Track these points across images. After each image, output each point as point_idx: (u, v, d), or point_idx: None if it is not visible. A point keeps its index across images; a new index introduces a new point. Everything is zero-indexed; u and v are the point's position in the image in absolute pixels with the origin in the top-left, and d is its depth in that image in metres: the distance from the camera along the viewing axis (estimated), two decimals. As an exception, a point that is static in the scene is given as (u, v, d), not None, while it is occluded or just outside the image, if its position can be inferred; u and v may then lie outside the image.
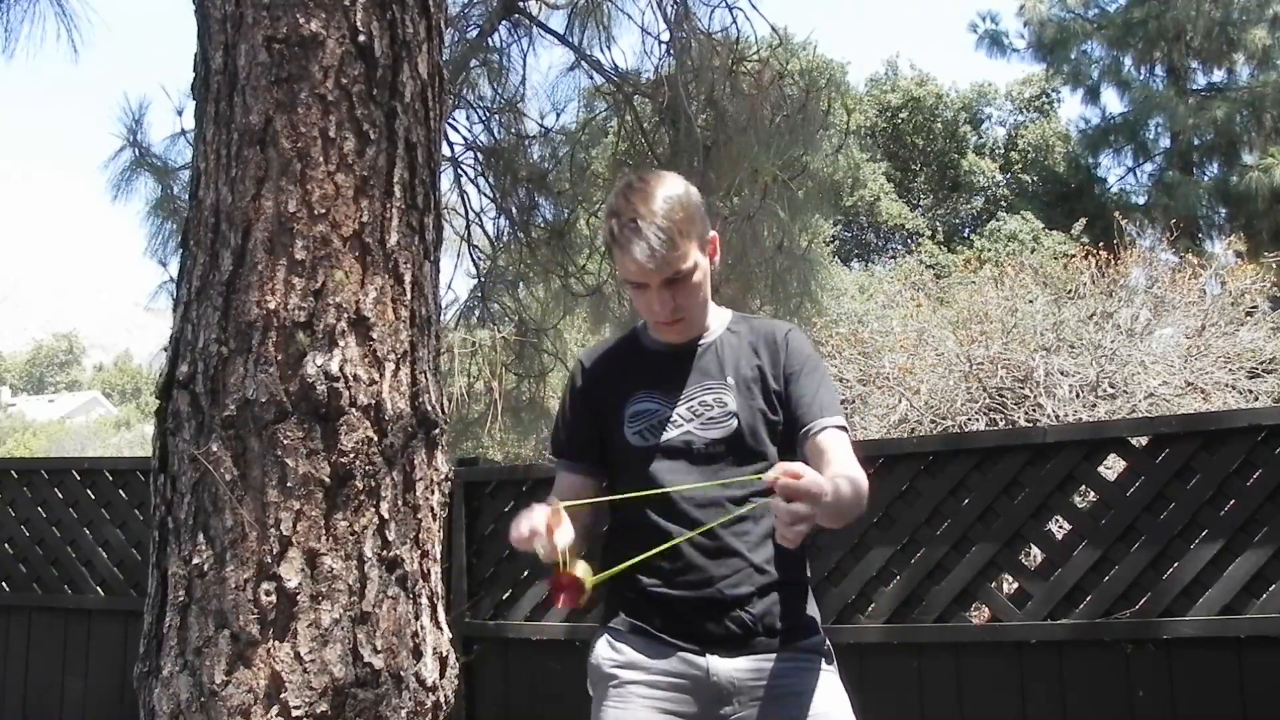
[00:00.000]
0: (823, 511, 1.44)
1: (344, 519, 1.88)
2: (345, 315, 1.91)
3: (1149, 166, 18.63)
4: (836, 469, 1.63)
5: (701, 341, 1.82)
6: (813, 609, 1.81)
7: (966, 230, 20.83)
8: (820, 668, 1.75)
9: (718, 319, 1.85)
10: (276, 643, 1.82)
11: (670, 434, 1.75)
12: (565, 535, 1.57)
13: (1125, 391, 6.94)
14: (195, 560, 1.86)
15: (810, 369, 1.77)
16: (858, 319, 9.20)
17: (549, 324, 6.08)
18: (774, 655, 1.71)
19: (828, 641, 1.79)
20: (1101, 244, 9.66)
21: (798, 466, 1.45)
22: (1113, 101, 18.79)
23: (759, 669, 1.70)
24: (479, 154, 5.87)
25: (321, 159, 1.93)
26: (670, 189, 1.72)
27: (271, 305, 1.88)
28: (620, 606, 1.80)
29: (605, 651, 1.79)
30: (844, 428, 1.75)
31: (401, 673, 1.93)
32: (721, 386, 1.76)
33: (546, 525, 1.55)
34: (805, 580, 1.82)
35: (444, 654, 2.06)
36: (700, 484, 1.70)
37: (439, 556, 2.09)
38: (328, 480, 1.87)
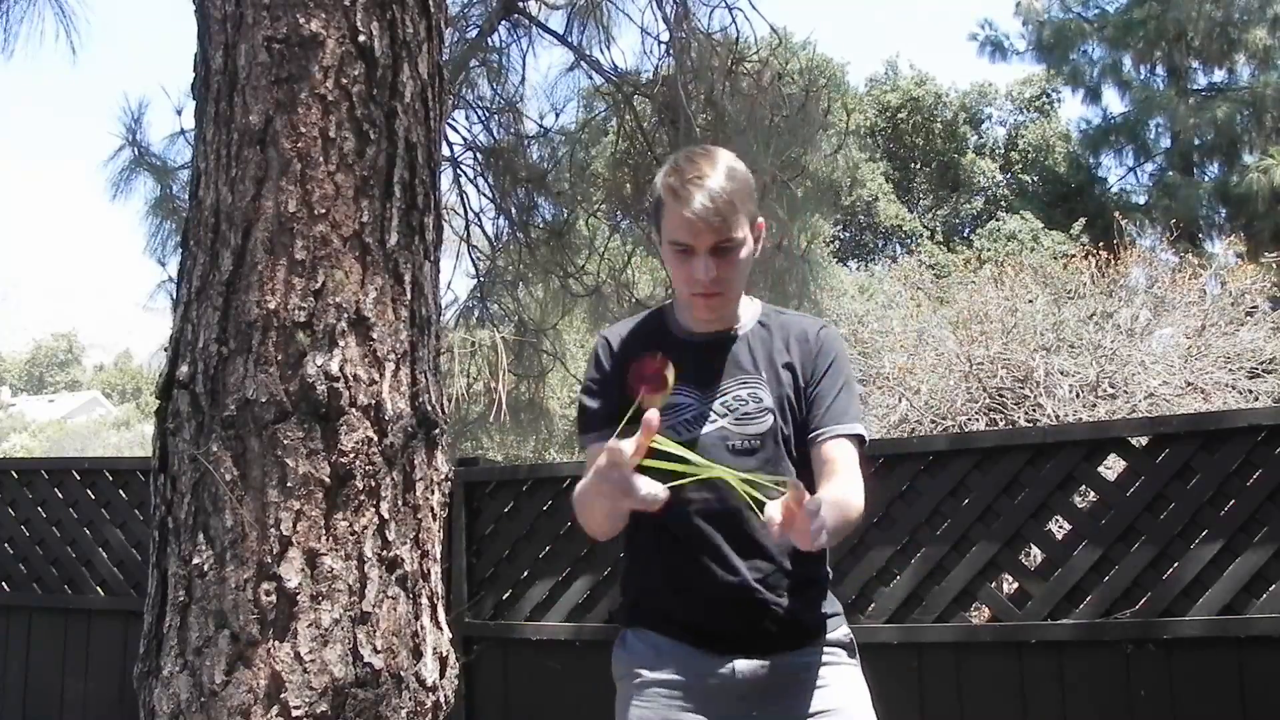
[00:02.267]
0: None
1: (344, 519, 1.88)
2: (345, 315, 1.91)
3: (1149, 166, 18.65)
4: (831, 491, 1.61)
5: (735, 332, 1.78)
6: (834, 604, 1.80)
7: (966, 230, 20.82)
8: (843, 660, 1.74)
9: (749, 311, 1.82)
10: (276, 643, 1.82)
11: (706, 429, 1.71)
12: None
13: (1125, 391, 6.95)
14: (195, 560, 1.86)
15: (835, 371, 1.74)
16: (857, 319, 9.20)
17: (548, 324, 6.08)
18: (800, 650, 1.71)
19: (851, 635, 1.79)
20: (1101, 244, 9.66)
21: (784, 510, 1.41)
22: (1113, 102, 18.82)
23: (783, 665, 1.70)
24: (479, 154, 5.88)
25: (321, 159, 1.93)
26: (734, 161, 1.73)
27: (271, 305, 1.88)
28: (647, 604, 1.79)
29: (632, 647, 1.78)
30: (858, 435, 1.72)
31: (401, 673, 1.93)
32: (756, 381, 1.73)
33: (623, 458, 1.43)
34: (827, 576, 1.81)
35: (444, 654, 2.06)
36: (744, 472, 1.55)
37: (439, 556, 2.09)
38: (328, 480, 1.87)
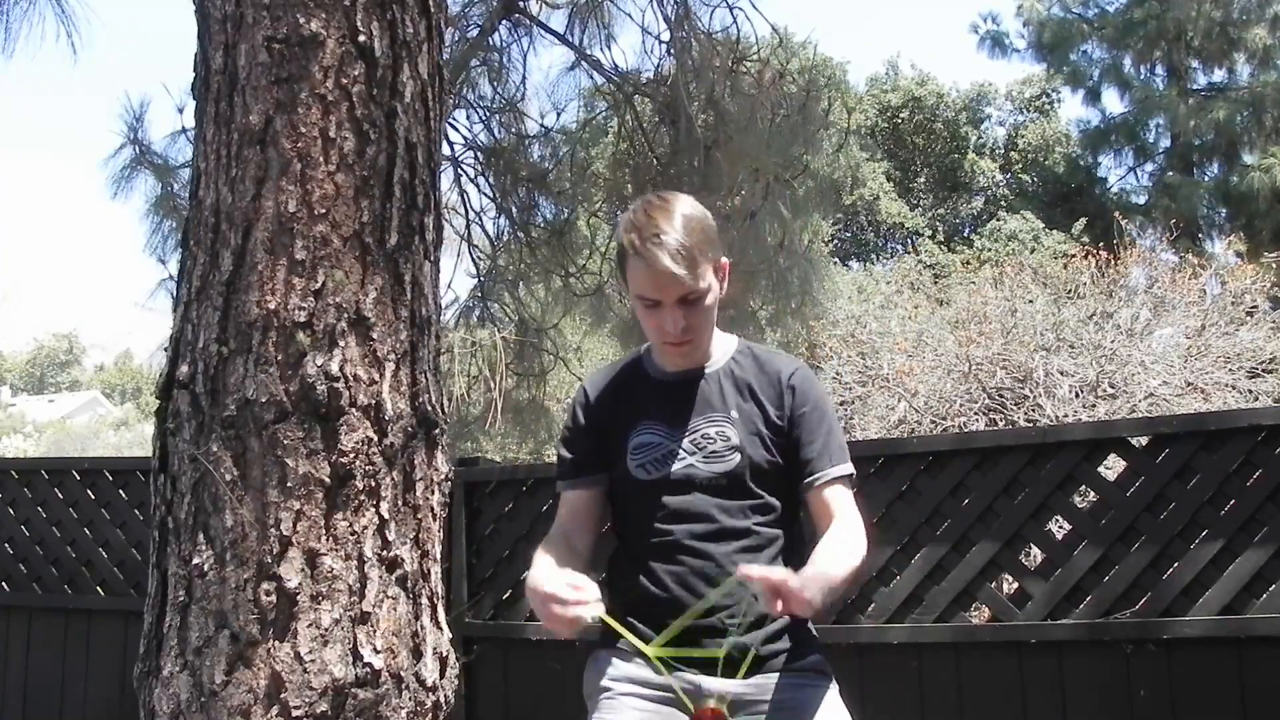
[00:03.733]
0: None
1: (344, 519, 1.88)
2: (345, 315, 1.91)
3: (1149, 166, 18.65)
4: (823, 552, 1.64)
5: (706, 370, 1.80)
6: (810, 629, 1.80)
7: (967, 230, 20.83)
8: (821, 685, 1.74)
9: (722, 347, 1.84)
10: (276, 643, 1.82)
11: (675, 467, 1.74)
12: (593, 602, 1.55)
13: (1125, 391, 6.95)
14: (195, 560, 1.86)
15: (817, 412, 1.75)
16: (856, 320, 9.20)
17: (549, 324, 6.08)
18: (771, 675, 1.71)
19: (824, 661, 1.79)
20: (1101, 244, 9.67)
21: (780, 581, 1.48)
22: (1113, 102, 18.83)
23: (756, 685, 1.70)
24: (479, 154, 5.87)
25: (321, 159, 1.93)
26: (690, 208, 1.72)
27: (271, 305, 1.88)
28: (617, 636, 1.80)
29: (602, 664, 1.79)
30: (849, 475, 1.76)
31: (401, 673, 1.93)
32: (724, 420, 1.75)
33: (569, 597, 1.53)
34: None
35: (444, 654, 2.06)
36: (716, 590, 1.66)
37: (439, 556, 2.09)
38: (328, 480, 1.87)
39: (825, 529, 1.71)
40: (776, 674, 1.72)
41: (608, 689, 1.75)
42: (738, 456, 1.73)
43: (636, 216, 1.71)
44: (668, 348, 1.77)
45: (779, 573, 1.51)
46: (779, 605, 1.49)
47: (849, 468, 1.76)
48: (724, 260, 1.78)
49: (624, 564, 1.82)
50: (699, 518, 1.71)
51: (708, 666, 1.67)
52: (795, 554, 1.77)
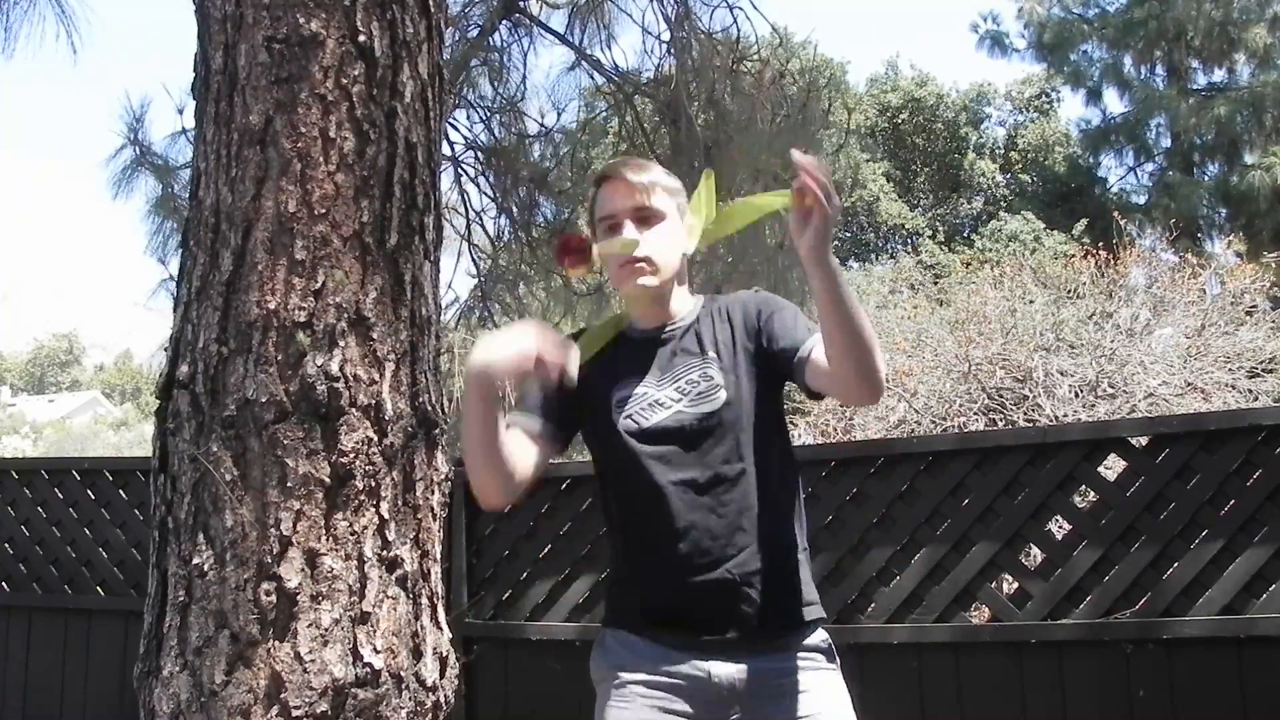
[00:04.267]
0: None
1: (344, 519, 1.88)
2: (345, 315, 1.91)
3: (1149, 166, 18.65)
4: None
5: (680, 324, 1.83)
6: (812, 592, 1.79)
7: (967, 230, 20.83)
8: (822, 666, 1.74)
9: (690, 304, 1.86)
10: (276, 643, 1.82)
11: (660, 415, 1.74)
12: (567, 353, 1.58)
13: (1125, 391, 6.94)
14: (195, 560, 1.86)
15: (780, 308, 1.80)
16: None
17: (549, 323, 6.07)
18: (778, 655, 1.71)
19: (829, 640, 1.79)
20: (1101, 244, 9.66)
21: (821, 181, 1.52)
22: (1113, 101, 18.80)
23: (761, 670, 1.70)
24: (479, 153, 5.87)
25: (321, 159, 1.93)
26: (659, 166, 1.85)
27: (271, 305, 1.88)
28: (626, 605, 1.79)
29: (609, 648, 1.78)
30: None
31: (401, 673, 1.93)
32: (704, 362, 1.77)
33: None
34: (804, 548, 1.80)
35: (444, 654, 2.06)
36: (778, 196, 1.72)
37: (439, 556, 2.09)
38: (328, 480, 1.87)
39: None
40: (783, 653, 1.71)
41: (616, 676, 1.74)
42: (723, 392, 1.74)
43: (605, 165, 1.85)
44: (625, 272, 1.76)
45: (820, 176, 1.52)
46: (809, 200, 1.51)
47: None
48: (690, 219, 1.83)
49: (622, 521, 1.80)
50: (693, 464, 1.71)
51: (715, 650, 1.68)
52: (787, 493, 1.77)
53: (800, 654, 1.72)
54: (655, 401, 1.76)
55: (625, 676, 1.73)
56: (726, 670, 1.68)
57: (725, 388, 1.74)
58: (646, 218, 1.75)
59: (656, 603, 1.73)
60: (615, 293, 5.83)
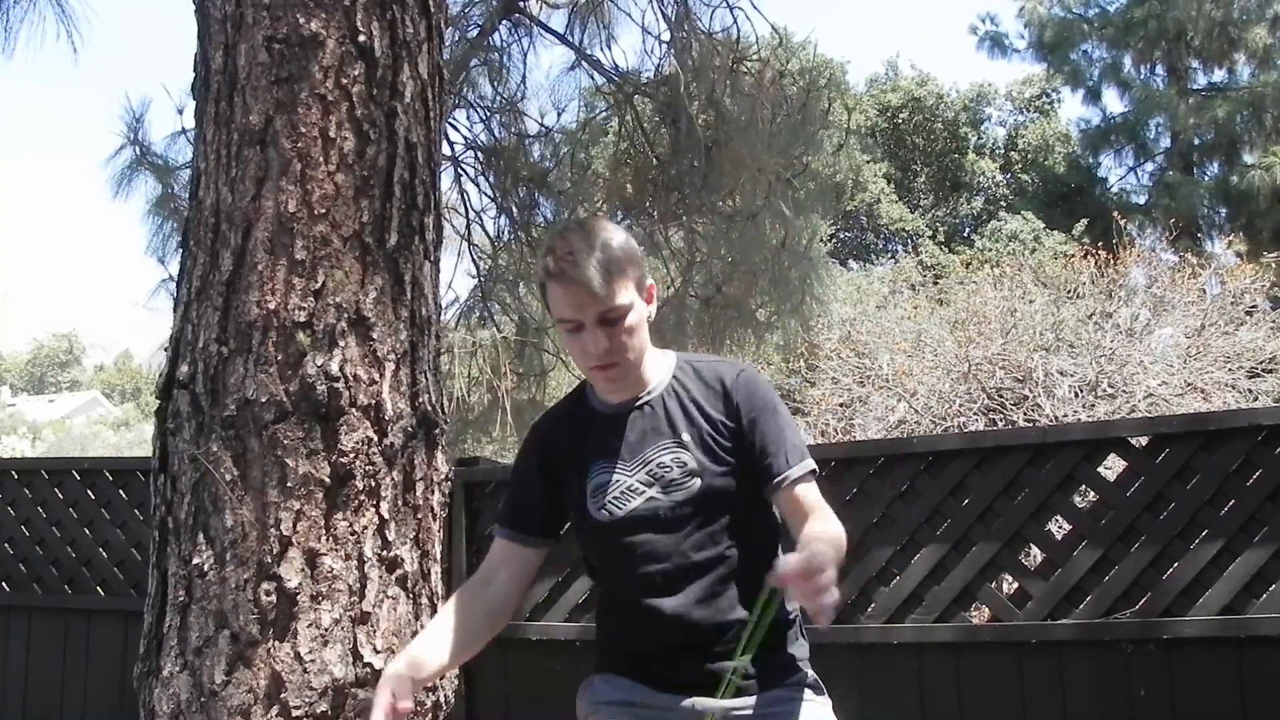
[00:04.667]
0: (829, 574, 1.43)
1: (344, 519, 1.88)
2: (345, 315, 1.91)
3: (1149, 166, 18.65)
4: (814, 529, 1.61)
5: (649, 399, 1.75)
6: (799, 647, 1.78)
7: (967, 230, 20.83)
8: (812, 698, 1.74)
9: (660, 369, 1.78)
10: (276, 643, 1.82)
11: (635, 503, 1.70)
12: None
13: (1125, 391, 6.94)
14: (195, 560, 1.86)
15: (770, 411, 1.71)
16: (855, 320, 9.20)
17: (549, 323, 6.08)
18: (765, 693, 1.71)
19: (813, 675, 1.78)
20: (1101, 244, 9.66)
21: (793, 563, 1.41)
22: (1113, 101, 18.80)
23: (746, 704, 1.70)
24: (479, 153, 5.87)
25: (321, 159, 1.93)
26: (609, 231, 1.70)
27: (271, 305, 1.88)
28: (612, 651, 1.80)
29: (597, 688, 1.78)
30: (812, 470, 1.71)
31: (401, 673, 1.93)
32: (676, 445, 1.71)
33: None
34: (792, 617, 1.78)
35: (444, 654, 2.06)
36: (713, 702, 1.66)
37: (439, 556, 2.09)
38: (328, 480, 1.87)
39: (800, 524, 1.67)
40: (770, 691, 1.70)
41: (604, 710, 1.74)
42: (697, 481, 1.69)
43: (553, 241, 1.70)
44: (595, 373, 1.71)
45: (797, 560, 1.42)
46: (809, 594, 1.41)
47: (810, 463, 1.72)
48: (649, 282, 1.73)
49: (608, 607, 1.81)
50: (669, 555, 1.68)
51: (701, 686, 1.67)
52: (768, 566, 1.75)
53: (786, 691, 1.72)
54: (628, 489, 1.71)
55: (612, 708, 1.73)
56: (710, 704, 1.68)
57: (700, 474, 1.69)
58: (611, 319, 1.65)
59: (642, 664, 1.73)
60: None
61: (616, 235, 1.70)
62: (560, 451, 1.78)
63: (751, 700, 1.70)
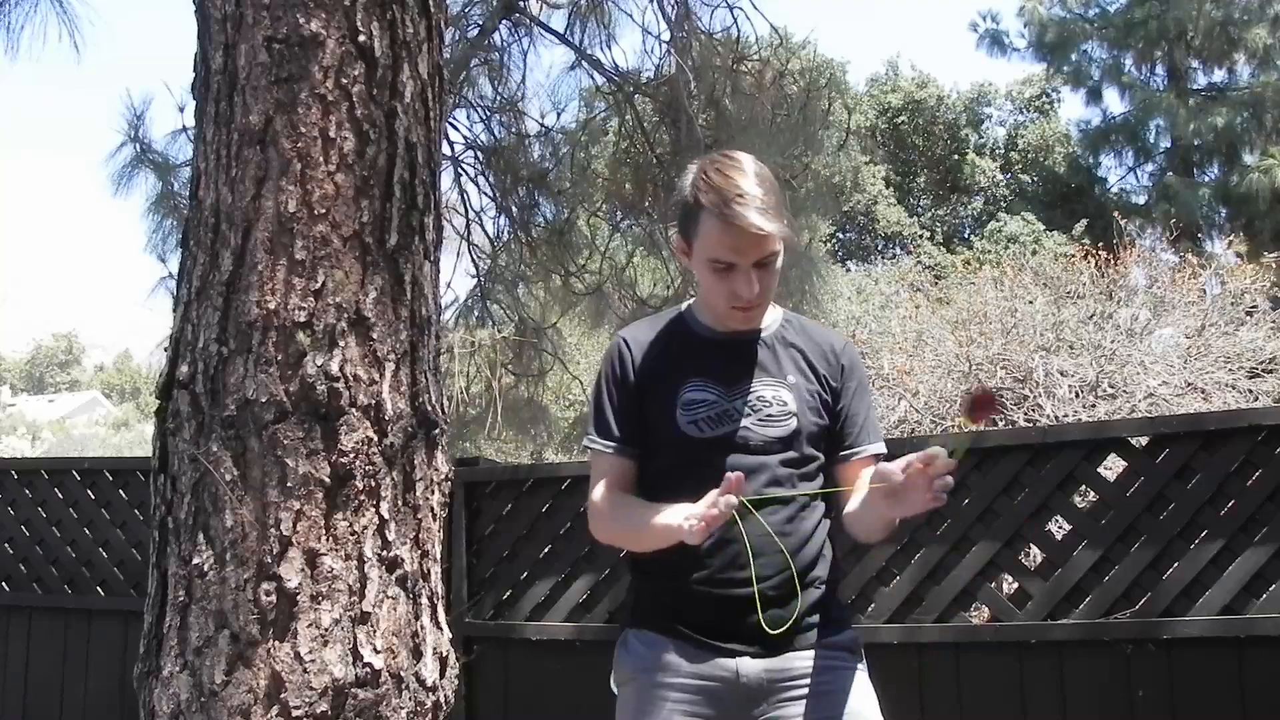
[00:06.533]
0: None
1: (344, 519, 1.88)
2: (345, 315, 1.91)
3: (1149, 167, 18.65)
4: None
5: (763, 336, 1.77)
6: (840, 606, 1.80)
7: (966, 231, 20.82)
8: (849, 664, 1.74)
9: (771, 313, 1.81)
10: (276, 643, 1.82)
11: (727, 427, 1.71)
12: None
13: (1125, 391, 6.94)
14: (195, 560, 1.86)
15: (864, 388, 1.80)
16: (855, 320, 9.21)
17: (549, 323, 6.09)
18: (805, 653, 1.70)
19: (857, 637, 1.79)
20: (1101, 244, 9.66)
21: (899, 464, 1.49)
22: (1113, 102, 18.80)
23: (788, 668, 1.69)
24: (479, 153, 5.88)
25: (321, 159, 1.93)
26: (758, 166, 1.69)
27: (271, 305, 1.88)
28: (652, 604, 1.79)
29: (633, 649, 1.77)
30: (883, 453, 1.77)
31: (401, 673, 1.93)
32: (780, 384, 1.74)
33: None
34: (838, 577, 1.82)
35: (444, 654, 2.06)
36: (780, 493, 1.69)
37: (439, 556, 2.09)
38: (328, 480, 1.87)
39: (851, 496, 1.73)
40: (810, 650, 1.70)
41: (639, 678, 1.73)
42: (794, 421, 1.72)
43: (712, 177, 1.66)
44: (736, 313, 1.72)
45: (911, 456, 1.50)
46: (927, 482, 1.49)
47: (882, 447, 1.79)
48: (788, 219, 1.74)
49: None
50: (749, 480, 1.66)
51: (745, 641, 1.68)
52: (822, 529, 1.78)
53: (828, 652, 1.72)
54: (724, 412, 1.72)
55: (650, 678, 1.71)
56: (754, 668, 1.67)
57: (798, 416, 1.72)
58: (767, 262, 1.66)
59: (686, 608, 1.72)
60: (615, 293, 5.84)
61: (766, 171, 1.70)
62: (651, 363, 1.77)
63: (806, 659, 1.69)
